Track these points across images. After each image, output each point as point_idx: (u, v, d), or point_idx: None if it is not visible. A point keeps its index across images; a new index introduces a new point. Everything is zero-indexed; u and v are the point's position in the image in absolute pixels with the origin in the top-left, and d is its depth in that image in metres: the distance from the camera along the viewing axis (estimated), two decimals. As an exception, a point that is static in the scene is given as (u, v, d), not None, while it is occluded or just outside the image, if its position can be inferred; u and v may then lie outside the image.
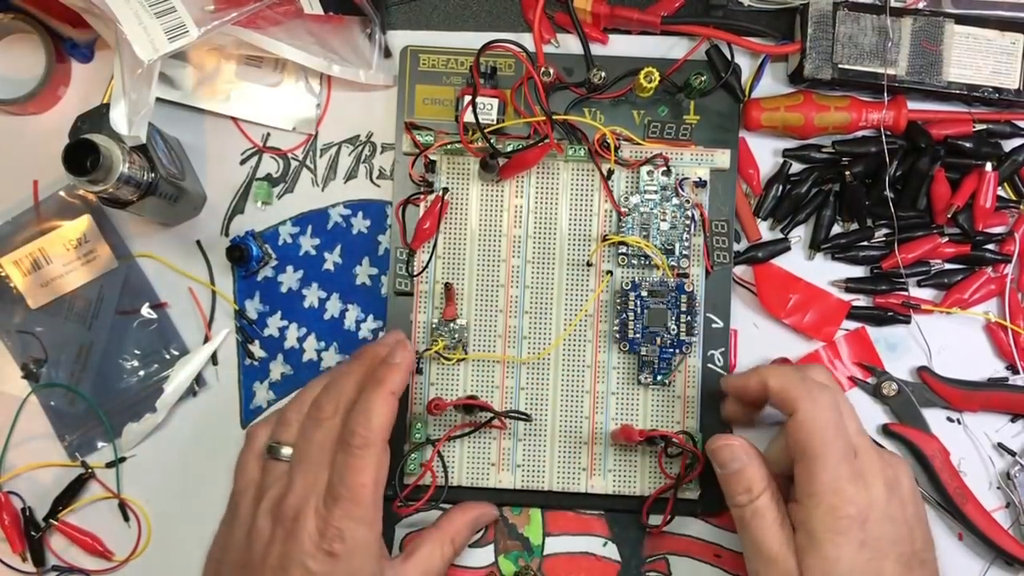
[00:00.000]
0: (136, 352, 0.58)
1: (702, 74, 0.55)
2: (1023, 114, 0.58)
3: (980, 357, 0.58)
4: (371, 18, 0.58)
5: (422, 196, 0.57)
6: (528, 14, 0.58)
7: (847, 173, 0.56)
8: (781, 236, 0.58)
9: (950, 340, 0.57)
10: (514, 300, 0.57)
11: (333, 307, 0.58)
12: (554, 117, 0.54)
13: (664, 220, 0.56)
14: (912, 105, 0.57)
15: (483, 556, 0.57)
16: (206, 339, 0.58)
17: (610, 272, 0.57)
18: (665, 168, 0.56)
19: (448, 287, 0.56)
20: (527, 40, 0.57)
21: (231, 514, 0.51)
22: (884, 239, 0.57)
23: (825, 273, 0.58)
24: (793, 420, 0.48)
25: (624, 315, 0.56)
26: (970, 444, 0.57)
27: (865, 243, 0.57)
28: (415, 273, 0.56)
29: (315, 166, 0.59)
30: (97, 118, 0.52)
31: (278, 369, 0.58)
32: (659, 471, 0.56)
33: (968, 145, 0.56)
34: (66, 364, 0.58)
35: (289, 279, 0.59)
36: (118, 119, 0.50)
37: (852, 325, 0.58)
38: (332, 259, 0.59)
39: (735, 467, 0.50)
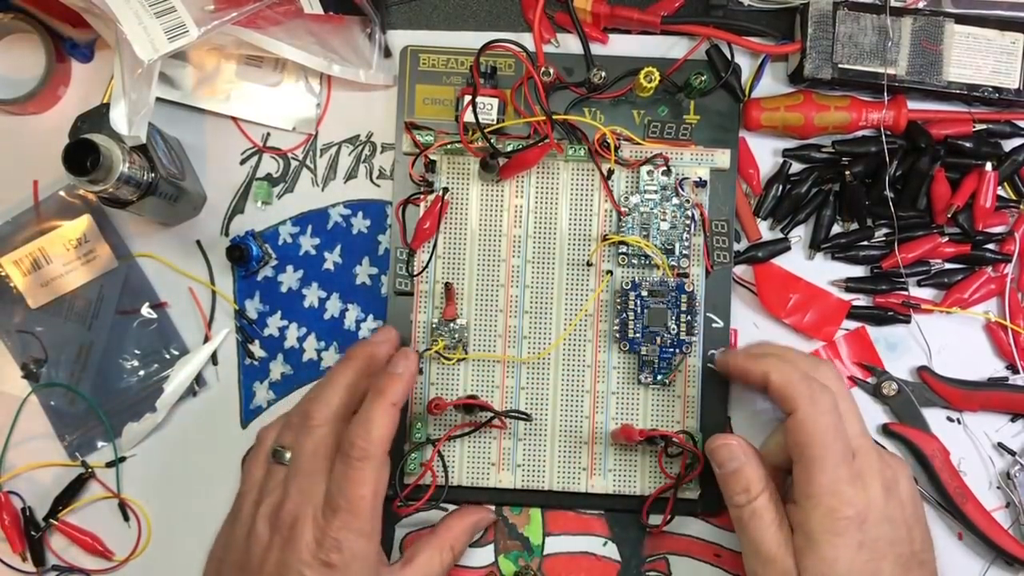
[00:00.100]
0: (136, 352, 0.58)
1: (702, 74, 0.55)
2: (1023, 114, 0.58)
3: (980, 357, 0.58)
4: (371, 18, 0.58)
5: (422, 196, 0.57)
6: (528, 14, 0.58)
7: (847, 173, 0.56)
8: (781, 236, 0.58)
9: (950, 340, 0.57)
10: (514, 300, 0.57)
11: (333, 307, 0.58)
12: (554, 117, 0.54)
13: (664, 220, 0.56)
14: (912, 105, 0.57)
15: (483, 556, 0.57)
16: (206, 339, 0.58)
17: (610, 272, 0.57)
18: (665, 168, 0.56)
19: (448, 287, 0.56)
20: (527, 40, 0.57)
21: (234, 514, 0.51)
22: (884, 239, 0.57)
23: (825, 273, 0.58)
24: (792, 420, 0.48)
25: (624, 315, 0.56)
26: (970, 444, 0.57)
27: (865, 243, 0.57)
28: (415, 273, 0.56)
29: (315, 166, 0.59)
30: (97, 118, 0.52)
31: (278, 369, 0.58)
32: (659, 471, 0.56)
33: (968, 145, 0.56)
34: (66, 364, 0.58)
35: (289, 279, 0.59)
36: (118, 119, 0.50)
37: (852, 325, 0.58)
38: (332, 259, 0.59)
39: (733, 467, 0.50)
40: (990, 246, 0.57)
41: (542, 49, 0.57)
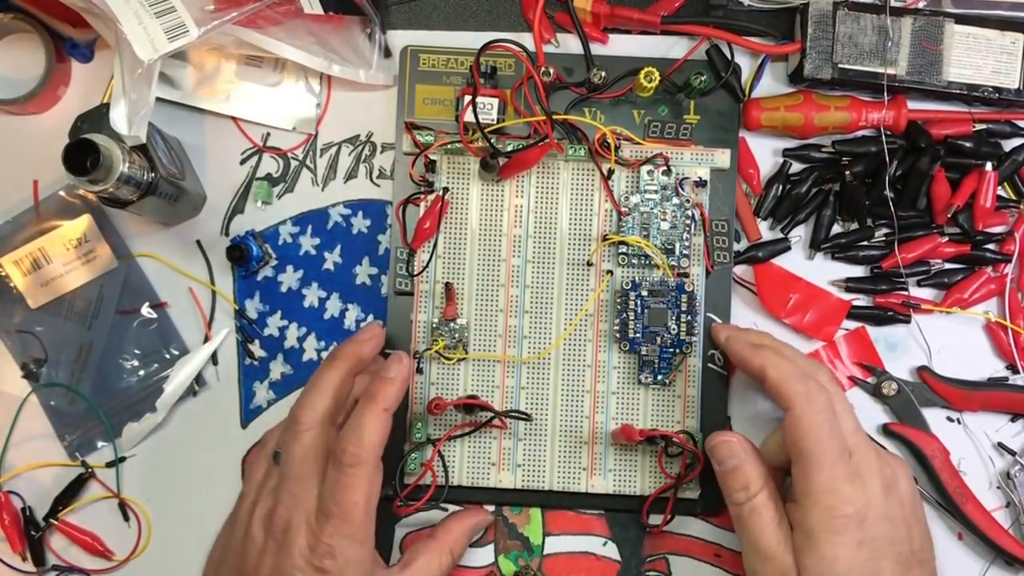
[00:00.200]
0: (136, 352, 0.58)
1: (702, 74, 0.55)
2: (1023, 114, 0.58)
3: (980, 357, 0.58)
4: (371, 18, 0.58)
5: (422, 196, 0.57)
6: (528, 14, 0.58)
7: (847, 173, 0.56)
8: (781, 236, 0.58)
9: (950, 340, 0.57)
10: (514, 300, 0.57)
11: (333, 307, 0.58)
12: (554, 117, 0.54)
13: (664, 220, 0.56)
14: (912, 105, 0.57)
15: (483, 556, 0.57)
16: (206, 339, 0.58)
17: (610, 272, 0.57)
18: (665, 168, 0.56)
19: (448, 287, 0.56)
20: (527, 40, 0.57)
21: (233, 516, 0.51)
22: (884, 239, 0.57)
23: (825, 273, 0.58)
24: (788, 418, 0.48)
25: (624, 315, 0.56)
26: (970, 444, 0.57)
27: (865, 243, 0.57)
28: (415, 273, 0.56)
29: (315, 166, 0.59)
30: (97, 118, 0.52)
31: (278, 369, 0.58)
32: (659, 471, 0.56)
33: (968, 145, 0.56)
34: (66, 364, 0.58)
35: (289, 279, 0.59)
36: (118, 119, 0.50)
37: (852, 325, 0.58)
38: (332, 259, 0.59)
39: (732, 464, 0.50)
40: (990, 246, 0.57)
41: (542, 49, 0.57)
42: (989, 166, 0.56)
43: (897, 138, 0.57)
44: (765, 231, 0.58)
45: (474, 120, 0.52)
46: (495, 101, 0.54)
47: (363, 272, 0.58)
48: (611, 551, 0.57)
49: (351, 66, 0.57)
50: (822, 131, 0.57)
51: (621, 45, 0.59)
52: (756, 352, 0.51)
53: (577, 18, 0.57)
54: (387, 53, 0.59)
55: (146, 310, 0.58)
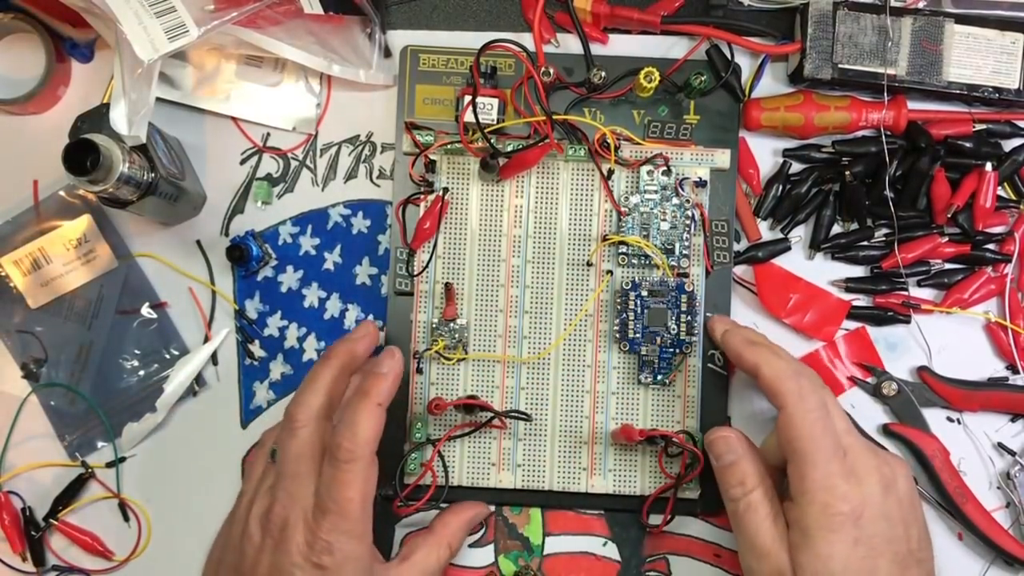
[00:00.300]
0: (136, 352, 0.58)
1: (702, 74, 0.55)
2: (1023, 114, 0.58)
3: (980, 357, 0.58)
4: (371, 18, 0.58)
5: (422, 196, 0.57)
6: (528, 14, 0.58)
7: (847, 173, 0.56)
8: (781, 236, 0.58)
9: (950, 340, 0.57)
10: (514, 300, 0.57)
11: (333, 307, 0.58)
12: (554, 117, 0.54)
13: (664, 220, 0.56)
14: (912, 105, 0.57)
15: (483, 556, 0.57)
16: (206, 339, 0.58)
17: (610, 272, 0.57)
18: (665, 168, 0.56)
19: (448, 287, 0.56)
20: (527, 40, 0.57)
21: (232, 515, 0.51)
22: (884, 239, 0.57)
23: (825, 273, 0.58)
24: (781, 416, 0.48)
25: (624, 315, 0.56)
26: (970, 444, 0.57)
27: (865, 243, 0.57)
28: (415, 273, 0.56)
29: (315, 166, 0.59)
30: (97, 118, 0.52)
31: (278, 369, 0.58)
32: (659, 471, 0.56)
33: (968, 145, 0.56)
34: (66, 364, 0.58)
35: (289, 279, 0.59)
36: (118, 119, 0.50)
37: (852, 325, 0.58)
38: (332, 259, 0.59)
39: (729, 459, 0.50)
40: (990, 246, 0.57)
41: (542, 49, 0.57)
42: (989, 166, 0.56)
43: (897, 138, 0.57)
44: (765, 231, 0.58)
45: (474, 120, 0.52)
46: (495, 101, 0.54)
47: (363, 272, 0.58)
48: (611, 551, 0.57)
49: (351, 66, 0.57)
50: (822, 131, 0.57)
51: (621, 45, 0.59)
52: (752, 349, 0.51)
53: (577, 18, 0.57)
54: (387, 53, 0.59)
55: (146, 310, 0.58)
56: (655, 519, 0.56)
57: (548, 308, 0.57)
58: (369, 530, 0.48)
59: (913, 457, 0.56)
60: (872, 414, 0.57)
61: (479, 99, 0.54)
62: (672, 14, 0.57)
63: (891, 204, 0.56)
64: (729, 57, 0.57)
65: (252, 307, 0.58)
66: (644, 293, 0.55)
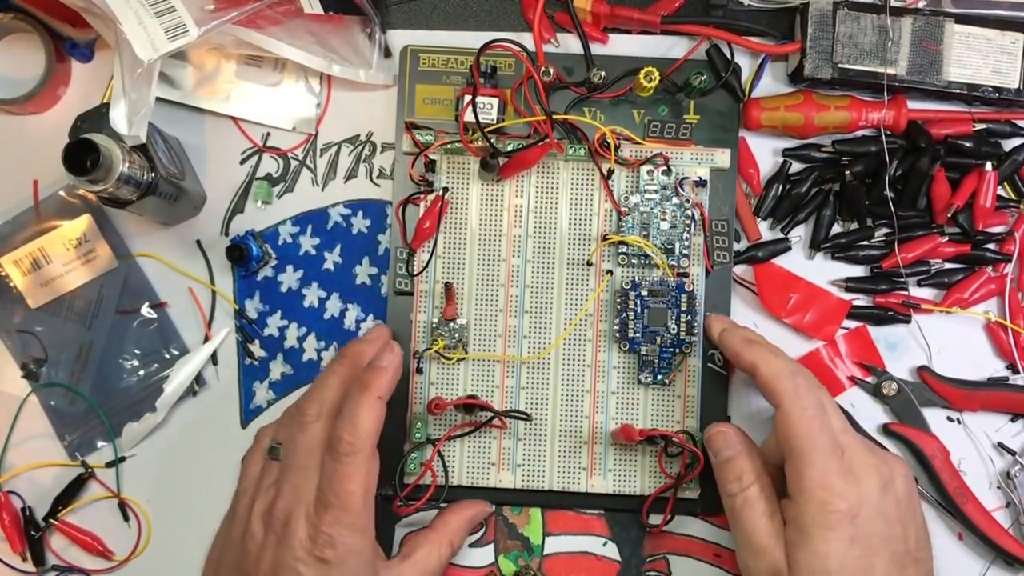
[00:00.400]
0: (136, 352, 0.58)
1: (702, 74, 0.55)
2: (1023, 114, 0.58)
3: (980, 357, 0.58)
4: (371, 18, 0.58)
5: (422, 196, 0.57)
6: (528, 14, 0.58)
7: (847, 173, 0.56)
8: (781, 236, 0.58)
9: (950, 340, 0.57)
10: (514, 300, 0.57)
11: (333, 307, 0.58)
12: (554, 117, 0.54)
13: (664, 220, 0.56)
14: (912, 105, 0.57)
15: (483, 556, 0.57)
16: (206, 339, 0.58)
17: (610, 272, 0.57)
18: (665, 168, 0.56)
19: (448, 287, 0.56)
20: (527, 40, 0.57)
21: (231, 514, 0.51)
22: (884, 239, 0.57)
23: (825, 272, 0.58)
24: (778, 414, 0.49)
25: (624, 315, 0.56)
26: (970, 444, 0.57)
27: (865, 243, 0.57)
28: (415, 273, 0.56)
29: (315, 166, 0.59)
30: (97, 118, 0.52)
31: (278, 369, 0.58)
32: (659, 471, 0.56)
33: (968, 145, 0.56)
34: (66, 364, 0.58)
35: (289, 279, 0.59)
36: (118, 119, 0.50)
37: (852, 324, 0.58)
38: (332, 259, 0.59)
39: (727, 455, 0.50)
40: (990, 246, 0.57)
41: (542, 49, 0.57)
42: (989, 166, 0.56)
43: (897, 138, 0.57)
44: (765, 231, 0.58)
45: (474, 120, 0.52)
46: (495, 101, 0.54)
47: (363, 272, 0.58)
48: (611, 551, 0.57)
49: (351, 66, 0.57)
50: (822, 131, 0.57)
51: (621, 45, 0.59)
52: (750, 348, 0.52)
53: (577, 18, 0.57)
54: (387, 53, 0.59)
55: (146, 310, 0.58)
56: (655, 519, 0.56)
57: (548, 308, 0.57)
58: (371, 524, 0.48)
59: (913, 457, 0.56)
60: (872, 414, 0.57)
61: (479, 99, 0.54)
62: (672, 14, 0.57)
63: (891, 204, 0.56)
64: (729, 57, 0.57)
65: (252, 307, 0.58)
66: (644, 293, 0.55)
